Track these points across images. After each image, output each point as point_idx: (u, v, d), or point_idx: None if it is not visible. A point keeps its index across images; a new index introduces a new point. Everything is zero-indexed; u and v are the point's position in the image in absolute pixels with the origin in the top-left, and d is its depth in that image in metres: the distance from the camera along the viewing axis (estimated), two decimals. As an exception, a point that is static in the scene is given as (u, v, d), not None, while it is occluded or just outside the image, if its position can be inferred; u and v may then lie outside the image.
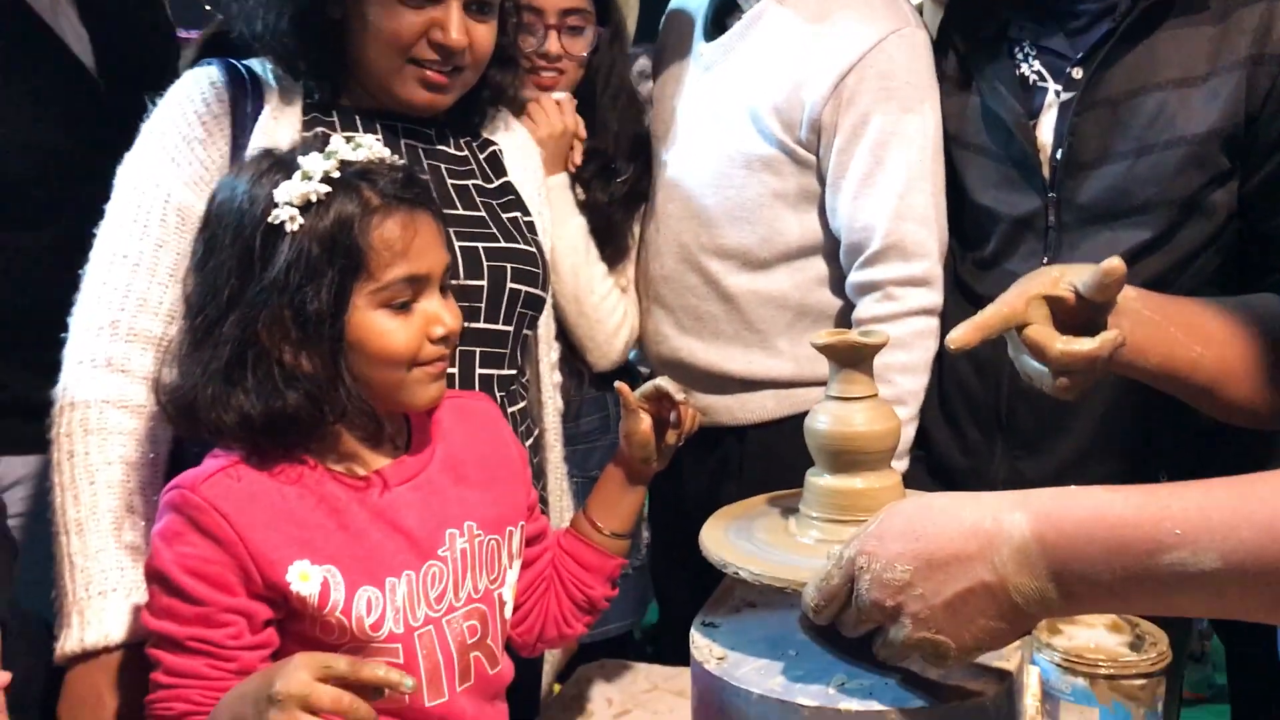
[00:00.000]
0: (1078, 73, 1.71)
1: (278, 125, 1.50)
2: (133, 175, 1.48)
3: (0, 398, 1.91)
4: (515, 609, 1.38)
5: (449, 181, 1.58)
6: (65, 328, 1.51)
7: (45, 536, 1.45)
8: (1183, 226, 1.69)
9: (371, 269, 1.19)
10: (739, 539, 1.11)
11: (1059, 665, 1.31)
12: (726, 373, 1.89)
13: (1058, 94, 1.73)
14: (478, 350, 1.54)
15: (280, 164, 1.21)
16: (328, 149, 1.22)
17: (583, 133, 1.88)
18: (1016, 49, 1.77)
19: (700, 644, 1.05)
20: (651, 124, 1.97)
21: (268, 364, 1.18)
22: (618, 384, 1.44)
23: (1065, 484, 1.73)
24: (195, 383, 1.19)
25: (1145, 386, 1.30)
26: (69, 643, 1.33)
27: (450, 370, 1.37)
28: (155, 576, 1.17)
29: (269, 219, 1.18)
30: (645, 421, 1.40)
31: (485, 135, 1.69)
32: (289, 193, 1.18)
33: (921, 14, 2.00)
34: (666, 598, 2.14)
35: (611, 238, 1.91)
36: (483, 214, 1.58)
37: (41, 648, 1.36)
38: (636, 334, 1.95)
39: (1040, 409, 1.75)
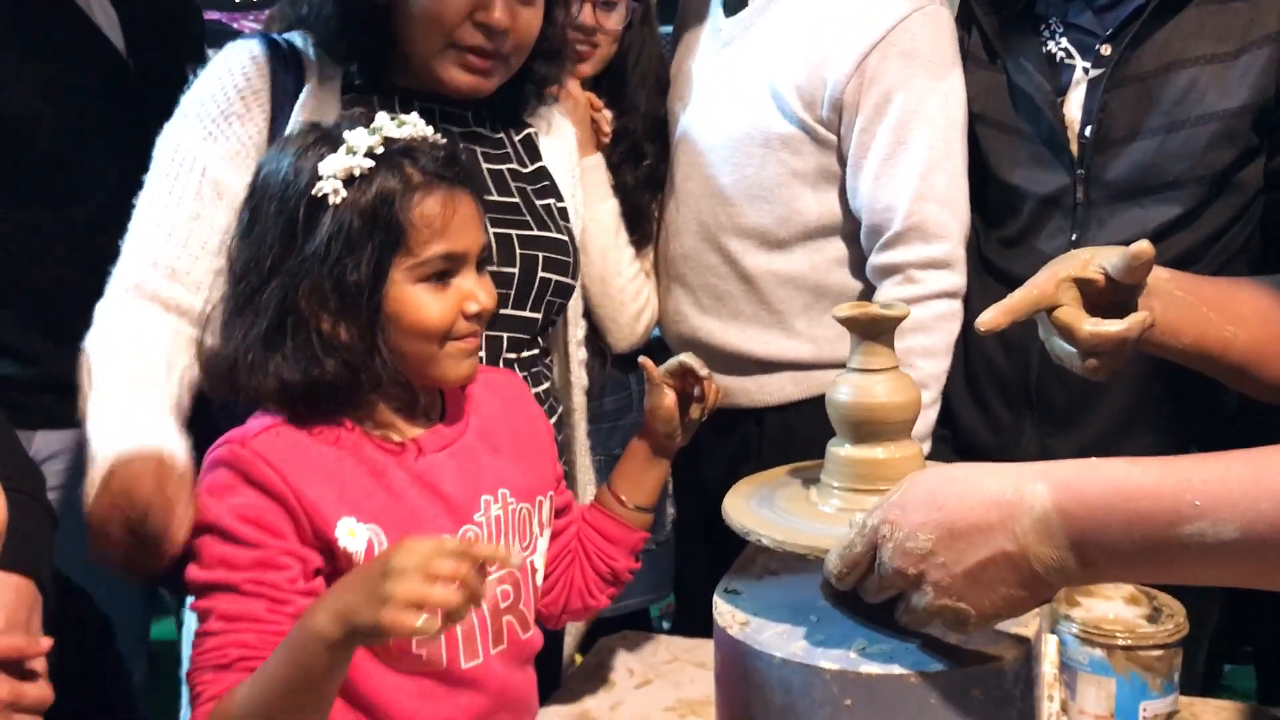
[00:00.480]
0: (1107, 49, 1.71)
1: (318, 105, 1.51)
2: (170, 147, 1.50)
3: (33, 374, 1.94)
4: (543, 580, 1.41)
5: (484, 165, 1.58)
6: (96, 304, 1.54)
7: (79, 510, 1.47)
8: (1212, 202, 1.70)
9: (410, 244, 1.21)
10: (761, 508, 1.13)
11: (1077, 636, 1.32)
12: (745, 353, 1.88)
13: (1086, 71, 1.73)
14: (505, 335, 1.55)
15: (326, 138, 1.24)
16: (373, 125, 1.24)
17: (605, 111, 1.89)
18: (1043, 26, 1.77)
19: (723, 610, 1.07)
20: (670, 100, 1.96)
21: (306, 332, 1.20)
22: (642, 359, 1.46)
23: (1098, 452, 1.76)
24: (236, 348, 1.22)
25: (1174, 363, 1.32)
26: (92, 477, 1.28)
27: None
28: (206, 529, 1.18)
29: (313, 191, 1.20)
30: (669, 396, 1.43)
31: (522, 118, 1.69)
32: (333, 166, 1.20)
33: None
34: (684, 578, 2.16)
35: (639, 222, 1.91)
36: (517, 200, 1.59)
37: (81, 616, 1.38)
38: (657, 317, 1.95)
39: (1070, 386, 1.75)
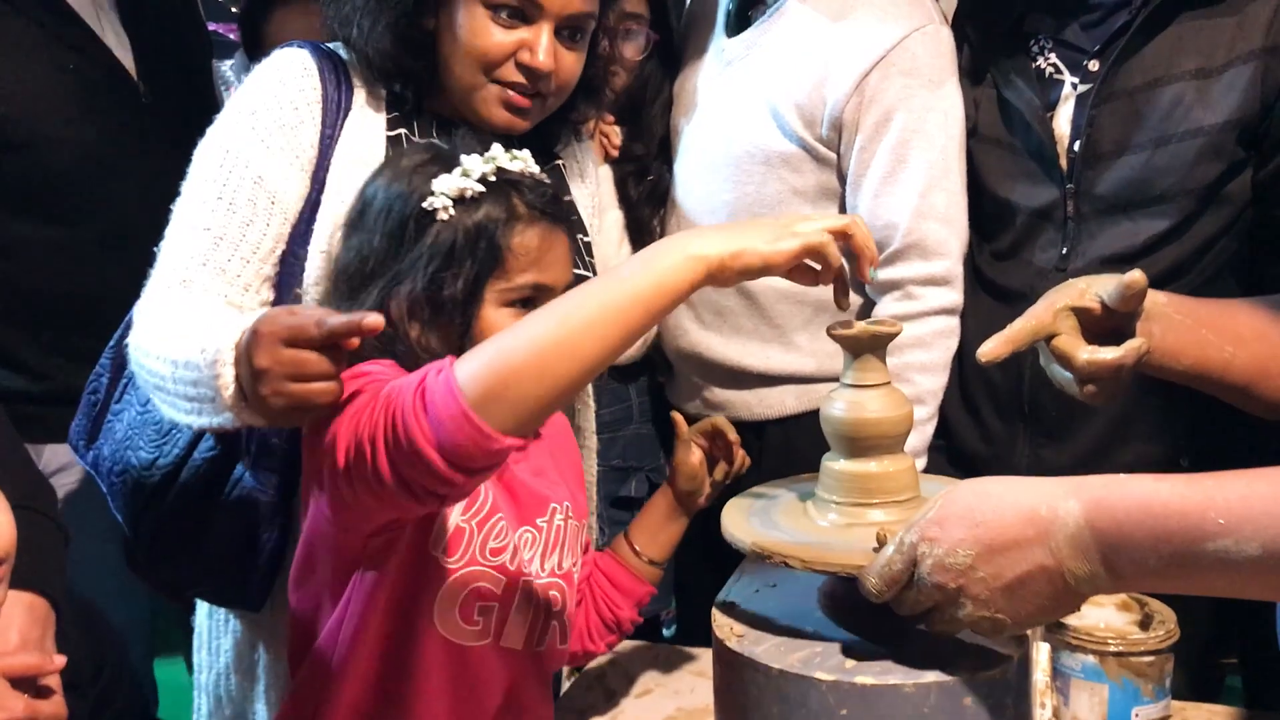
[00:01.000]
0: (1094, 65, 1.73)
1: (364, 125, 1.53)
2: (219, 151, 1.48)
3: (43, 388, 1.97)
4: None
5: None
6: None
7: (89, 523, 1.49)
8: (1200, 216, 1.72)
9: (507, 269, 1.27)
10: (764, 527, 1.15)
11: (1069, 643, 1.34)
12: (745, 368, 1.89)
13: (1074, 86, 1.75)
14: None
15: (440, 157, 1.30)
16: (487, 154, 1.30)
17: (615, 133, 1.90)
18: (1032, 42, 1.79)
19: (721, 621, 1.09)
20: (673, 118, 1.97)
21: (394, 337, 1.25)
22: (674, 414, 1.51)
23: (1088, 472, 1.76)
24: None
25: (1166, 375, 1.35)
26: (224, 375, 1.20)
27: None
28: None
29: (424, 204, 1.26)
30: (696, 454, 1.48)
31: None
32: (447, 184, 1.27)
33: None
34: (685, 588, 2.17)
35: (640, 236, 1.93)
36: None
37: (94, 632, 1.40)
38: (655, 332, 1.97)
39: (1063, 397, 1.75)
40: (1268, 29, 1.65)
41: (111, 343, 1.58)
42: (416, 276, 1.25)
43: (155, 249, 1.47)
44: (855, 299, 1.86)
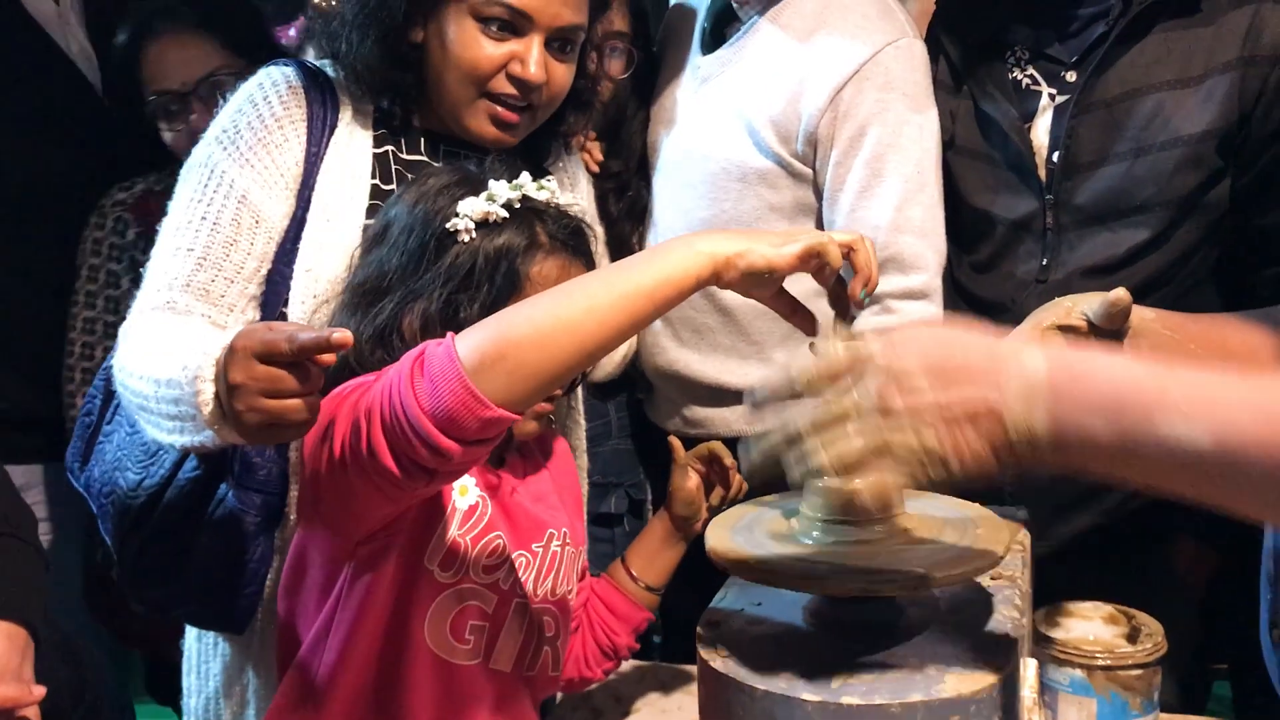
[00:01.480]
0: (1072, 76, 1.74)
1: (350, 143, 1.52)
2: (203, 172, 1.49)
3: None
4: None
5: None
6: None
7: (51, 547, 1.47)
8: (1179, 225, 1.72)
9: (524, 296, 1.26)
10: (749, 545, 1.14)
11: (1057, 657, 1.34)
12: (723, 385, 1.89)
13: (1052, 97, 1.76)
14: None
15: (467, 180, 1.32)
16: (515, 182, 1.30)
17: (596, 148, 1.90)
18: (1009, 53, 1.80)
19: (706, 641, 1.08)
20: (650, 135, 1.98)
21: (402, 351, 1.23)
22: (671, 438, 1.51)
23: (1071, 484, 1.77)
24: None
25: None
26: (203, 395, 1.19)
27: None
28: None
29: (447, 225, 1.27)
30: (693, 479, 1.48)
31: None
32: (471, 207, 1.27)
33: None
34: (670, 607, 2.16)
35: (620, 253, 1.92)
36: None
37: (74, 660, 1.38)
38: (634, 349, 1.97)
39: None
40: (1244, 39, 1.65)
41: (104, 365, 1.57)
42: (433, 296, 1.26)
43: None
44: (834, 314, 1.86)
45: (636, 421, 2.14)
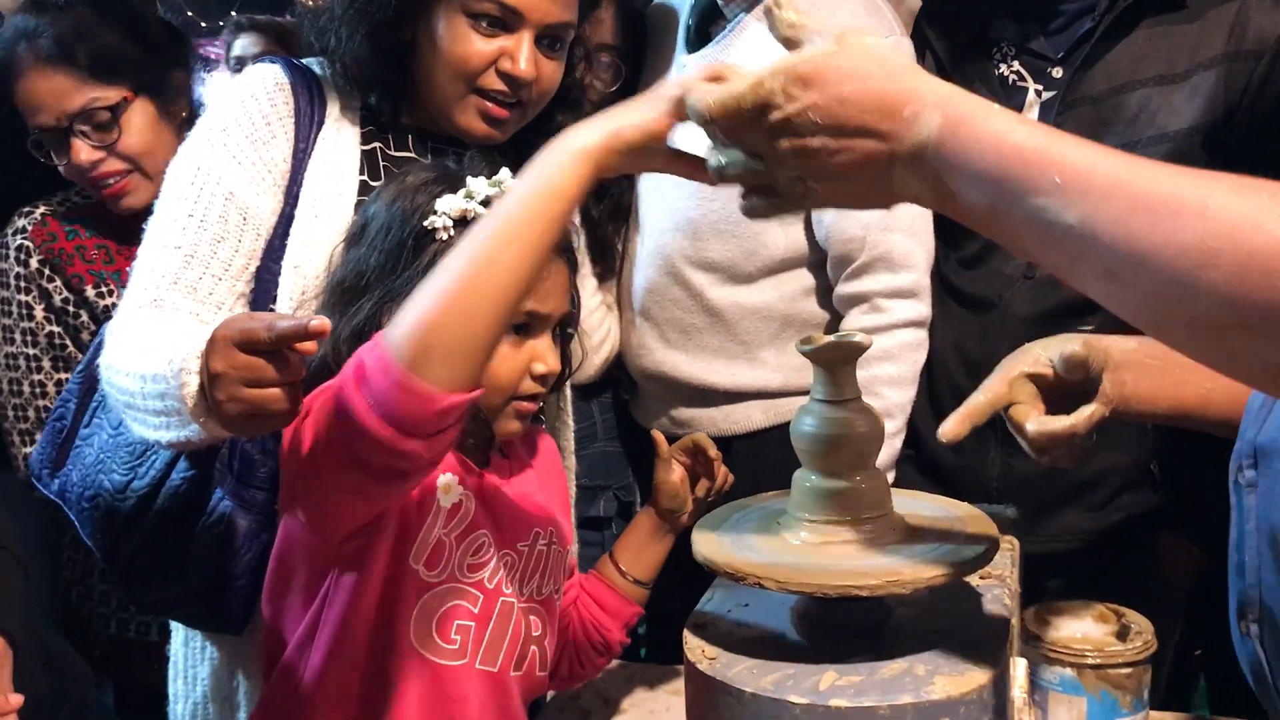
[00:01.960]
0: (1058, 72, 1.73)
1: (338, 138, 1.52)
2: (190, 169, 1.48)
3: None
4: None
5: None
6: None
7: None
8: (1165, 222, 1.72)
9: None
10: (736, 546, 1.13)
11: (1047, 656, 1.33)
12: (711, 385, 1.88)
13: (1038, 94, 1.75)
14: None
15: (447, 177, 1.29)
16: (494, 178, 1.29)
17: None
18: (995, 50, 1.79)
19: (693, 644, 1.07)
20: None
21: None
22: (654, 433, 1.50)
23: (1057, 481, 1.77)
24: (325, 350, 1.24)
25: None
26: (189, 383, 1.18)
27: None
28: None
29: (425, 223, 1.25)
30: (677, 472, 1.47)
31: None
32: (449, 205, 1.26)
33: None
34: (657, 603, 2.15)
35: (602, 254, 1.92)
36: None
37: (54, 667, 1.37)
38: (616, 350, 1.95)
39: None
40: (1229, 34, 1.65)
41: (80, 367, 1.56)
42: (411, 293, 1.23)
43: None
44: (822, 314, 1.85)
45: (623, 423, 2.13)
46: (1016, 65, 1.77)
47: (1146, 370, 1.20)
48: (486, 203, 1.26)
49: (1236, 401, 1.20)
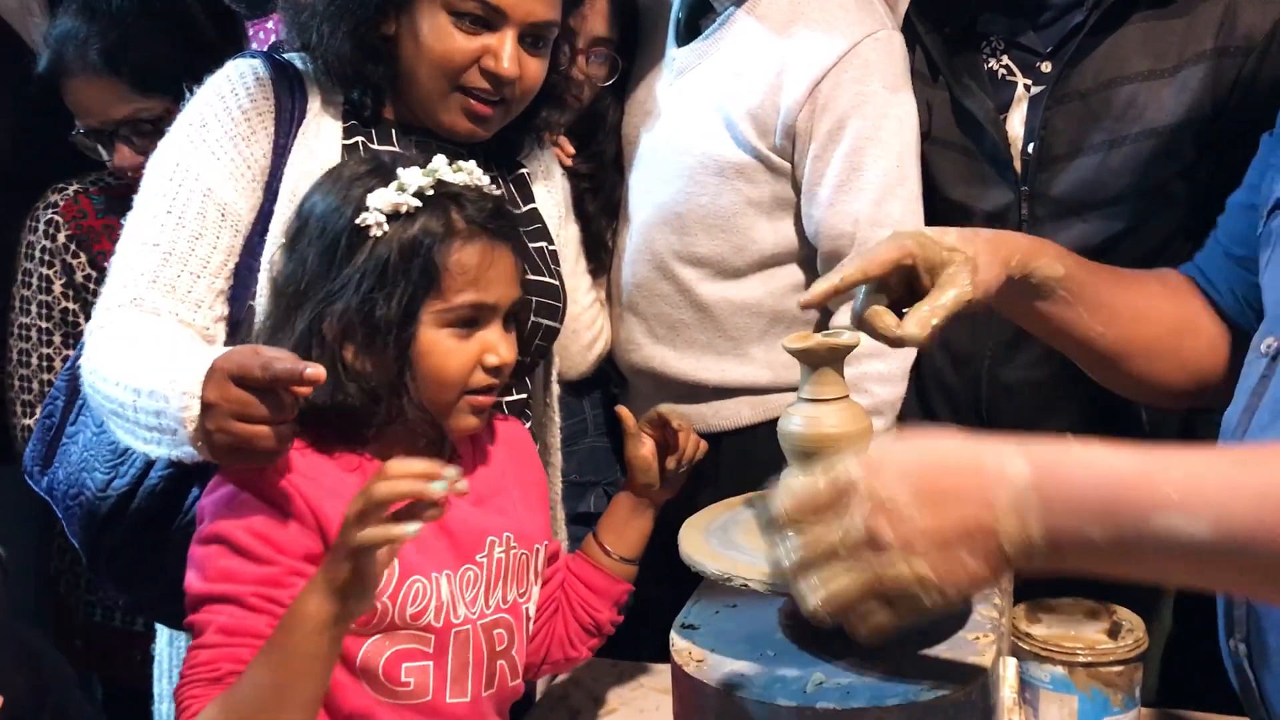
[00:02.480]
0: (1047, 67, 1.73)
1: (320, 131, 1.51)
2: (169, 165, 1.47)
3: None
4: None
5: None
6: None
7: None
8: (1153, 216, 1.72)
9: (443, 289, 1.23)
10: (723, 547, 1.12)
11: (1037, 654, 1.33)
12: (700, 381, 1.87)
13: (1027, 88, 1.74)
14: None
15: (379, 170, 1.26)
16: (429, 167, 1.26)
17: (565, 142, 1.88)
18: (984, 44, 1.78)
19: (680, 646, 1.07)
20: (624, 129, 1.95)
21: (330, 360, 1.21)
22: (619, 408, 1.48)
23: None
24: None
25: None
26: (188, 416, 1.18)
27: None
28: (214, 539, 1.18)
29: (357, 220, 1.22)
30: (647, 445, 1.46)
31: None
32: (381, 200, 1.22)
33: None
34: (643, 601, 2.14)
35: (595, 250, 1.91)
36: None
37: (35, 666, 1.36)
38: (609, 347, 1.95)
39: (1021, 403, 1.77)
40: (1218, 29, 1.65)
41: (67, 366, 1.56)
42: (349, 296, 1.21)
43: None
44: (811, 311, 1.84)
45: (612, 419, 2.12)
46: (1005, 60, 1.77)
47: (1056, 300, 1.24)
48: (420, 194, 1.23)
49: (1124, 348, 1.28)
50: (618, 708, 1.64)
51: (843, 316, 1.76)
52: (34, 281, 1.99)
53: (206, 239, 1.44)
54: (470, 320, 1.25)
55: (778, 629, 1.08)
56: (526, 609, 1.37)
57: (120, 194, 1.98)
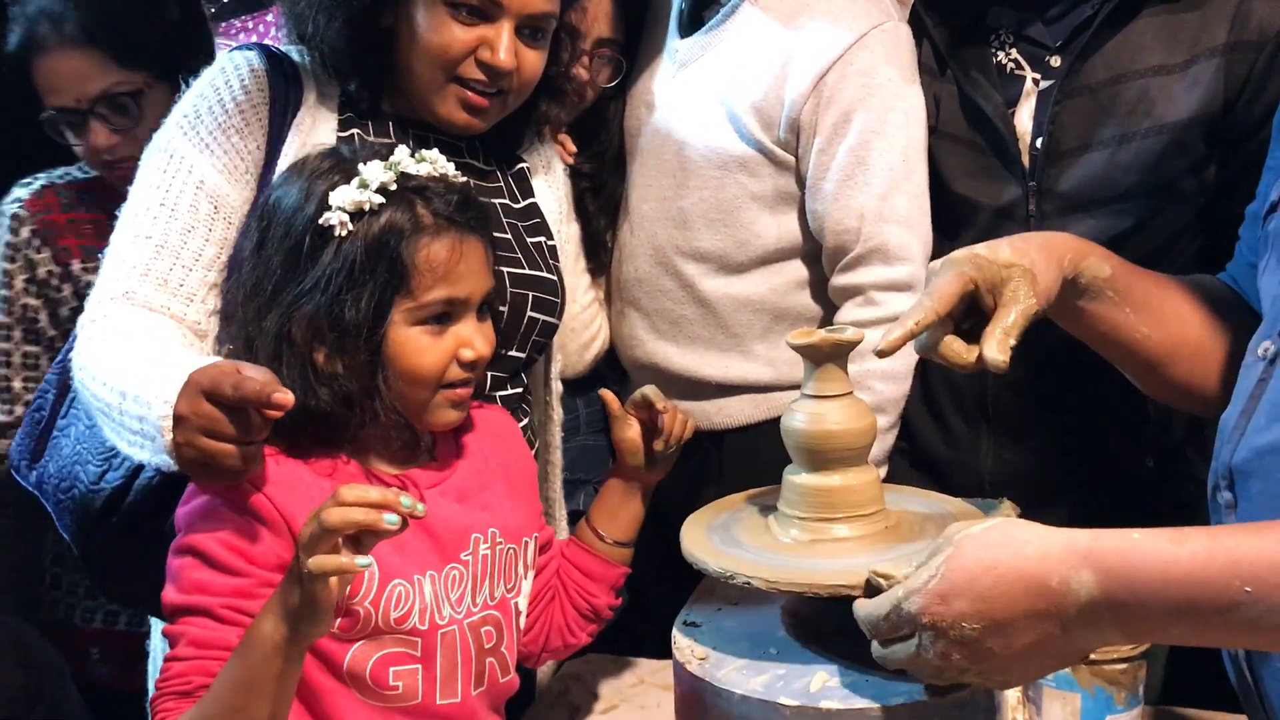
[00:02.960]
0: (1056, 61, 1.71)
1: (315, 124, 1.50)
2: (162, 157, 1.47)
3: None
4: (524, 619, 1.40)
5: None
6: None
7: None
8: (1162, 213, 1.70)
9: (412, 287, 1.21)
10: (725, 545, 1.11)
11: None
12: (702, 377, 1.86)
13: (1036, 82, 1.73)
14: (489, 374, 1.54)
15: (341, 166, 1.23)
16: (390, 160, 1.23)
17: (567, 139, 1.87)
18: (993, 37, 1.77)
19: (682, 644, 1.06)
20: (626, 122, 1.93)
21: (301, 364, 1.20)
22: (603, 391, 1.47)
23: (1051, 474, 1.76)
24: None
25: (1128, 378, 1.34)
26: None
27: None
28: (187, 551, 1.17)
29: (320, 220, 1.19)
30: (633, 428, 1.44)
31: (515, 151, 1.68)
32: (343, 198, 1.20)
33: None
34: (645, 598, 2.14)
35: (595, 250, 1.90)
36: (509, 236, 1.57)
37: (27, 661, 1.35)
38: (607, 346, 1.93)
39: (1026, 399, 1.75)
40: (1230, 24, 1.63)
41: (58, 359, 1.55)
42: (317, 299, 1.19)
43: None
44: (815, 308, 1.83)
45: (605, 416, 2.12)
46: (1014, 53, 1.75)
47: (1105, 301, 1.24)
48: (383, 189, 1.20)
49: (1166, 353, 1.27)
50: (618, 704, 1.64)
51: (847, 313, 1.75)
52: None
53: (199, 231, 1.44)
54: (443, 316, 1.23)
55: (780, 627, 1.07)
56: (516, 604, 1.36)
57: (89, 187, 2.00)
